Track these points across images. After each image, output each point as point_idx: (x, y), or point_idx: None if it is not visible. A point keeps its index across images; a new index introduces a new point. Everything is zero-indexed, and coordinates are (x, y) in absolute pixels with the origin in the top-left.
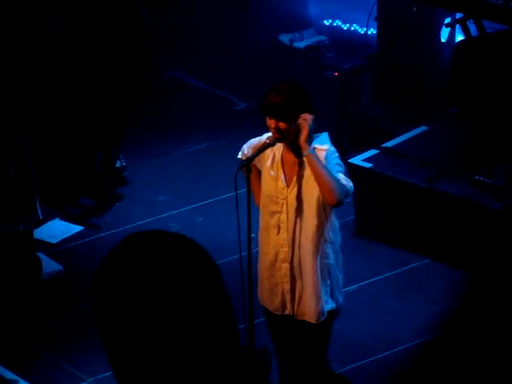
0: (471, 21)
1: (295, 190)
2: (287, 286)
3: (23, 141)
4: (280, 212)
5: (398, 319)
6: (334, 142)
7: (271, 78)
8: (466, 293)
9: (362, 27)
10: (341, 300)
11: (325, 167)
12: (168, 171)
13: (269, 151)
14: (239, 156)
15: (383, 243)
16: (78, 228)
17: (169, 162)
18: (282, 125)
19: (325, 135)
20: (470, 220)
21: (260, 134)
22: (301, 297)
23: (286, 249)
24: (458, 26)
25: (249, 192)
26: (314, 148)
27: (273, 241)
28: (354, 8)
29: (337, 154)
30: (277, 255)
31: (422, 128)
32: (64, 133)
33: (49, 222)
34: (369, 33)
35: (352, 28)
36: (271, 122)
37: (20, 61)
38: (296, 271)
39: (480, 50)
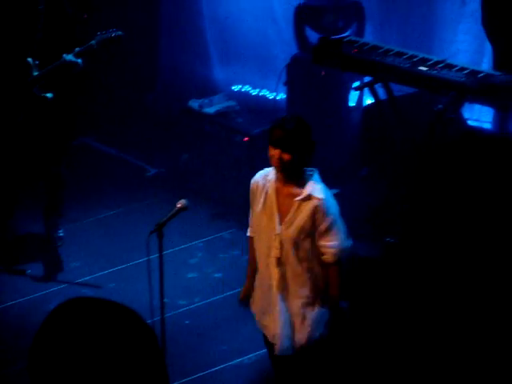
0: (379, 84)
1: (289, 227)
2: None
3: None
4: (272, 247)
5: None
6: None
7: (181, 143)
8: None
9: (271, 92)
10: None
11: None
12: (80, 237)
13: (261, 190)
14: (252, 182)
15: None
16: None
17: (81, 228)
18: (285, 156)
19: (316, 176)
20: (382, 281)
21: (172, 200)
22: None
23: (276, 282)
24: (366, 89)
25: (161, 256)
26: (310, 195)
27: (265, 271)
28: (263, 74)
29: (333, 202)
30: (270, 286)
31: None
32: None
33: None
34: (278, 98)
35: (261, 93)
36: (275, 153)
37: None
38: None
39: (388, 113)
